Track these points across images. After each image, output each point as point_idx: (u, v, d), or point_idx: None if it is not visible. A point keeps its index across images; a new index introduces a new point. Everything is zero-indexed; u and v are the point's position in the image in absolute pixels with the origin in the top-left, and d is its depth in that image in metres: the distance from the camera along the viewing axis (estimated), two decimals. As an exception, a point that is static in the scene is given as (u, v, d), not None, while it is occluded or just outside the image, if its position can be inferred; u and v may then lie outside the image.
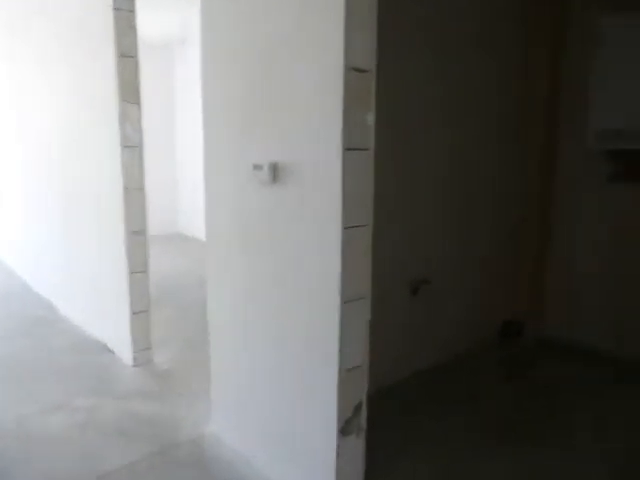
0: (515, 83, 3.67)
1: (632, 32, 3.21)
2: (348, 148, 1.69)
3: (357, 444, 2.00)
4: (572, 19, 3.62)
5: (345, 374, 1.87)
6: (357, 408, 1.97)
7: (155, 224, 7.66)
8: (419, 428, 2.68)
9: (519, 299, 3.93)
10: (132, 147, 3.17)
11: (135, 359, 3.38)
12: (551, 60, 3.67)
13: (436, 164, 3.19)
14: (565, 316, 3.87)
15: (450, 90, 3.19)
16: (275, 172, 1.96)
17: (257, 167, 2.01)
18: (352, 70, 1.65)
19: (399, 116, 2.87)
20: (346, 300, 1.81)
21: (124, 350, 3.44)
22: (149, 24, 6.22)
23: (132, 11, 3.04)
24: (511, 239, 3.85)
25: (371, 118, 1.73)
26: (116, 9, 2.98)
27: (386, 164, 2.49)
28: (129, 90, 3.11)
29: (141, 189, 3.26)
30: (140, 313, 3.37)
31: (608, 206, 3.62)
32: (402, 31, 2.79)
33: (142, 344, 3.41)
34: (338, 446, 1.90)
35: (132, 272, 3.28)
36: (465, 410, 2.88)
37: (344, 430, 1.91)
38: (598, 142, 3.43)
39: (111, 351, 3.61)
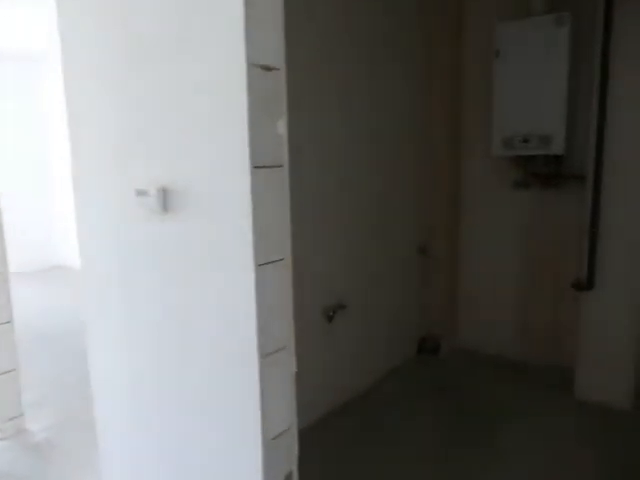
0: (418, 87, 3.55)
1: (525, 38, 3.17)
2: (257, 166, 1.35)
3: (289, 520, 1.65)
4: (472, 22, 3.58)
5: (270, 443, 1.51)
6: (287, 478, 1.61)
7: (29, 258, 6.80)
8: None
9: (434, 315, 3.78)
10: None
11: (2, 431, 2.77)
12: (454, 63, 3.59)
13: (338, 178, 2.94)
14: (479, 329, 3.79)
15: (342, 94, 2.95)
16: (166, 198, 1.56)
17: (141, 193, 1.59)
18: (257, 67, 1.32)
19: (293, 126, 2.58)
20: (265, 353, 1.45)
21: (-13, 421, 2.82)
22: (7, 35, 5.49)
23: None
24: (421, 254, 3.70)
25: (283, 126, 1.40)
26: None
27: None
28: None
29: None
30: (6, 374, 2.77)
31: (515, 213, 3.58)
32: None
33: (11, 411, 2.80)
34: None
35: (-9, 325, 2.69)
36: (394, 439, 2.64)
37: (273, 509, 1.55)
38: (503, 149, 3.36)
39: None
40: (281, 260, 1.48)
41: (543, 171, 3.38)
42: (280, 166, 1.42)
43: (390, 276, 3.43)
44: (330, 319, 2.84)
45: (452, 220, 3.74)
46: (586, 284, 3.01)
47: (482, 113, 3.52)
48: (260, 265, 1.39)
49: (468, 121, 3.67)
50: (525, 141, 3.24)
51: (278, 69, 1.38)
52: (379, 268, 3.31)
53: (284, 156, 1.43)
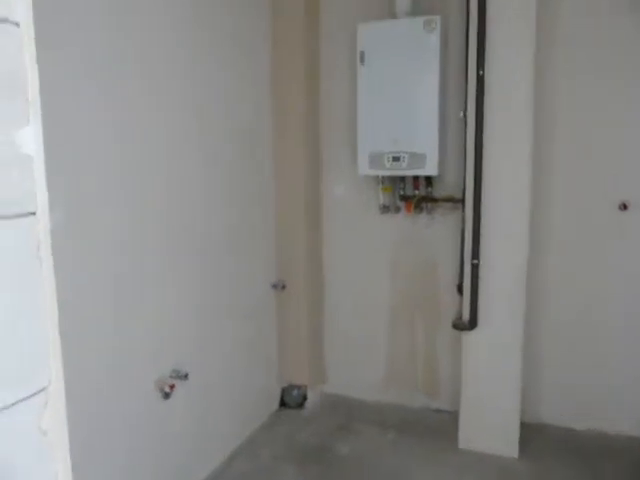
0: (265, 93, 2.98)
1: (391, 42, 2.78)
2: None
3: None
4: (331, 26, 3.10)
5: None
6: None
7: None
8: None
9: (297, 360, 3.22)
10: None
11: None
12: (311, 71, 3.08)
13: (161, 212, 2.26)
14: (348, 372, 3.32)
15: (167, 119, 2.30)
16: None
17: None
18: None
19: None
20: None
21: None
22: None
23: None
24: (278, 290, 3.12)
25: (28, 136, 0.72)
26: None
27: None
28: None
29: None
30: None
31: (384, 240, 3.17)
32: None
33: None
34: None
35: None
36: None
37: None
38: (370, 168, 2.92)
39: None
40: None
41: (414, 193, 3.01)
42: (30, 214, 0.73)
43: (241, 323, 2.80)
44: (167, 395, 2.13)
45: (313, 250, 3.22)
46: (468, 324, 2.67)
47: (346, 128, 3.07)
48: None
49: (330, 137, 3.19)
50: (396, 160, 2.83)
51: (21, 24, 0.70)
52: (228, 315, 2.67)
53: (38, 194, 0.74)
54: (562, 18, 2.69)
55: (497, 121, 2.53)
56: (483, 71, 2.50)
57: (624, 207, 2.72)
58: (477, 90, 2.52)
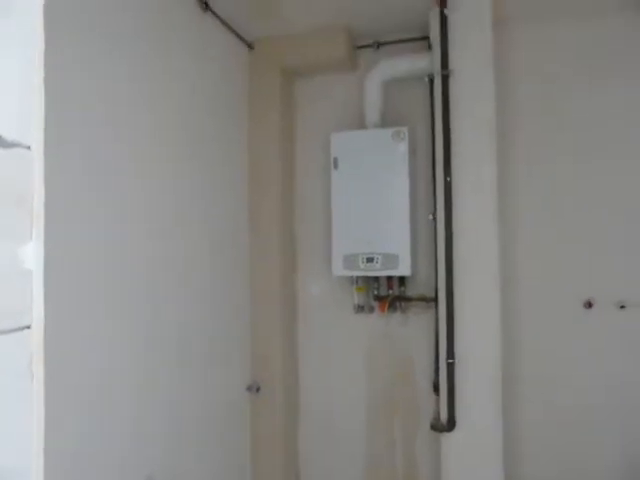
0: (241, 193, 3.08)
1: (363, 150, 2.95)
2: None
3: None
4: (306, 134, 3.29)
5: None
6: None
7: None
8: None
9: (270, 471, 3.07)
10: None
11: None
12: (286, 174, 3.21)
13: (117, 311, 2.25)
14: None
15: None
16: None
17: None
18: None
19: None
20: None
21: None
22: None
23: None
24: (250, 395, 3.04)
25: (31, 252, 0.74)
26: None
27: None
28: None
29: None
30: None
31: (359, 341, 3.16)
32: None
33: None
34: None
35: None
36: None
37: None
38: (344, 269, 2.98)
39: None
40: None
41: (388, 293, 3.06)
42: (24, 328, 0.74)
43: (215, 430, 2.69)
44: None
45: (288, 350, 3.18)
46: (446, 425, 2.62)
47: (321, 229, 3.17)
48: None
49: (305, 238, 3.27)
50: (370, 261, 2.91)
51: (28, 147, 0.75)
52: (201, 421, 2.56)
53: (34, 308, 0.75)
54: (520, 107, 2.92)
55: (465, 223, 2.65)
56: (450, 178, 2.66)
57: (589, 305, 2.82)
58: (445, 195, 2.67)
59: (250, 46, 3.09)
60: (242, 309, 3.03)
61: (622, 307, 2.76)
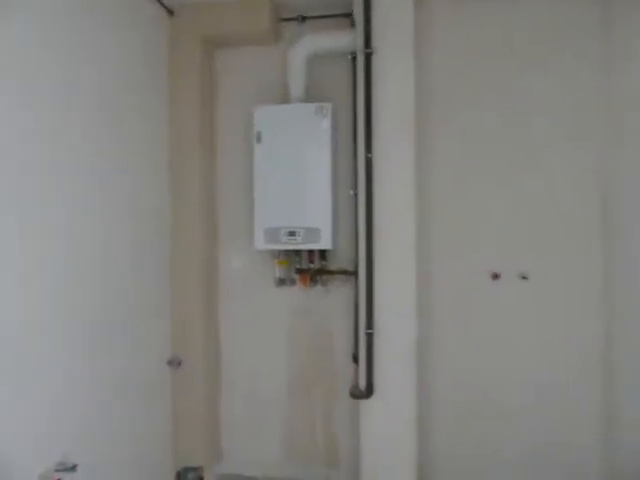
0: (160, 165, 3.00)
1: (286, 125, 2.95)
2: None
3: None
4: (228, 106, 3.23)
5: None
6: None
7: None
8: None
9: (192, 441, 3.08)
10: None
11: None
12: (207, 155, 3.16)
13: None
14: (246, 449, 3.24)
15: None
16: None
17: None
18: None
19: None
20: None
21: None
22: None
23: None
24: (173, 368, 3.02)
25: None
26: None
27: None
28: None
29: None
30: None
31: (280, 313, 3.21)
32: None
33: None
34: None
35: None
36: None
37: None
38: (266, 243, 3.00)
39: None
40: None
41: (309, 267, 3.12)
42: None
43: (134, 404, 2.66)
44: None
45: (210, 324, 3.18)
46: (365, 392, 2.75)
47: (243, 203, 3.16)
48: None
49: (227, 212, 3.25)
50: (291, 235, 2.94)
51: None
52: (120, 396, 2.52)
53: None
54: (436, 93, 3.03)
55: (385, 199, 2.74)
56: (371, 154, 2.73)
57: (496, 276, 3.02)
58: (366, 171, 2.74)
59: (170, 12, 2.98)
60: (162, 285, 2.98)
61: (524, 278, 2.99)
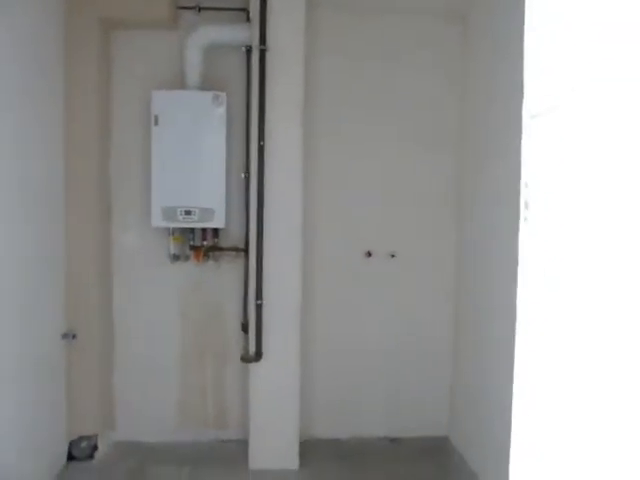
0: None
1: (183, 110, 3.13)
2: None
3: None
4: (124, 89, 3.31)
5: None
6: None
7: None
8: None
9: (85, 410, 3.20)
10: None
11: None
12: (101, 135, 3.23)
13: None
14: (140, 417, 3.42)
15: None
16: None
17: None
18: None
19: None
20: None
21: None
22: None
23: None
24: (68, 340, 3.11)
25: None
26: None
27: None
28: None
29: None
30: None
31: (174, 287, 3.41)
32: None
33: None
34: None
35: None
36: None
37: None
38: (163, 220, 3.17)
39: None
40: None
41: (202, 244, 3.34)
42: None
43: (27, 377, 2.72)
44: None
45: (104, 298, 3.29)
46: (254, 356, 3.06)
47: (139, 183, 3.29)
48: None
49: (122, 190, 3.35)
50: (188, 213, 3.14)
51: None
52: (10, 368, 2.57)
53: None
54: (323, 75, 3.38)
55: (274, 183, 3.05)
56: (263, 142, 3.01)
57: (369, 255, 3.48)
58: (258, 157, 3.02)
59: (66, -10, 2.99)
60: (56, 260, 3.03)
61: (393, 256, 3.47)
